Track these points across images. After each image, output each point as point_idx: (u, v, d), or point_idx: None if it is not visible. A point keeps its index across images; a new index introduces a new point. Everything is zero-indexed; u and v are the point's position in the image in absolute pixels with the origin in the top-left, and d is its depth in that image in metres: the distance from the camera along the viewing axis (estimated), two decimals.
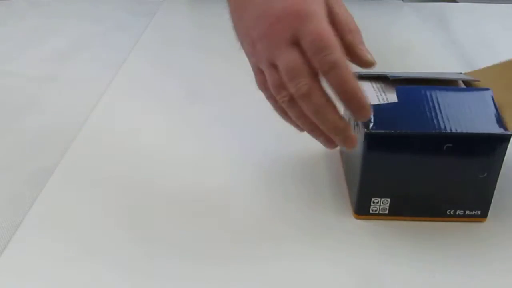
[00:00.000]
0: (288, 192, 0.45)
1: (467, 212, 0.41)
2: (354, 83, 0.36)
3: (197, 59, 0.69)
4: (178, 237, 0.40)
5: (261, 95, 0.40)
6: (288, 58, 0.36)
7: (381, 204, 0.42)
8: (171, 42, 0.76)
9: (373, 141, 0.39)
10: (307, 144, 0.41)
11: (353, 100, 0.36)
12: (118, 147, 0.51)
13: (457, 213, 0.41)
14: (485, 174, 0.39)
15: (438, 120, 0.39)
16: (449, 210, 0.42)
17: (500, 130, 0.38)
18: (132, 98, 0.60)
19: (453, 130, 0.38)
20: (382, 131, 0.39)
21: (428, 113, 0.39)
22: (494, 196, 0.41)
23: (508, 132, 0.38)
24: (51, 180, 0.46)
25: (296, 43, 0.36)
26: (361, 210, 0.42)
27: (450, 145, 0.38)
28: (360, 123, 0.40)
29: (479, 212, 0.41)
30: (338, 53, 0.35)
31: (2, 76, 0.66)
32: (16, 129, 0.55)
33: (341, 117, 0.37)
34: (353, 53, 0.38)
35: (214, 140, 0.52)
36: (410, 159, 0.40)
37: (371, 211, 0.42)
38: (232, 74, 0.65)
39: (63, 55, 0.71)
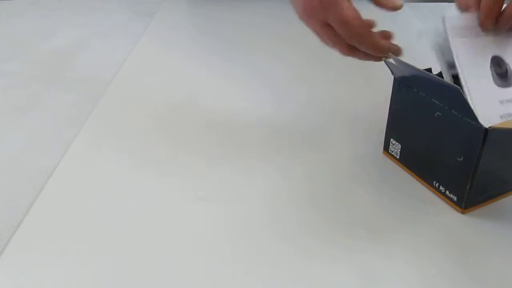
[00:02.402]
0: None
1: (447, 192, 0.42)
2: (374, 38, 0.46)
3: (196, 59, 0.69)
4: (179, 242, 0.40)
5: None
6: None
7: (395, 148, 0.47)
8: (171, 42, 0.76)
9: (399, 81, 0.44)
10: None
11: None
12: (118, 147, 0.51)
13: (440, 188, 0.43)
14: (462, 158, 0.40)
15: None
16: (435, 182, 0.43)
17: (481, 121, 0.37)
18: (132, 98, 0.60)
19: (444, 104, 0.40)
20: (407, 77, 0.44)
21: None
22: (498, 201, 0.40)
23: (482, 126, 0.37)
24: (51, 180, 0.46)
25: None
26: (386, 147, 0.48)
27: (439, 114, 0.40)
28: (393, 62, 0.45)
29: (455, 198, 0.42)
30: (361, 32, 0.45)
31: (2, 76, 0.66)
32: (16, 129, 0.55)
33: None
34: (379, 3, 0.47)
35: (214, 139, 0.52)
36: (421, 113, 0.43)
37: (389, 151, 0.48)
38: (231, 73, 0.65)
39: (63, 55, 0.71)
